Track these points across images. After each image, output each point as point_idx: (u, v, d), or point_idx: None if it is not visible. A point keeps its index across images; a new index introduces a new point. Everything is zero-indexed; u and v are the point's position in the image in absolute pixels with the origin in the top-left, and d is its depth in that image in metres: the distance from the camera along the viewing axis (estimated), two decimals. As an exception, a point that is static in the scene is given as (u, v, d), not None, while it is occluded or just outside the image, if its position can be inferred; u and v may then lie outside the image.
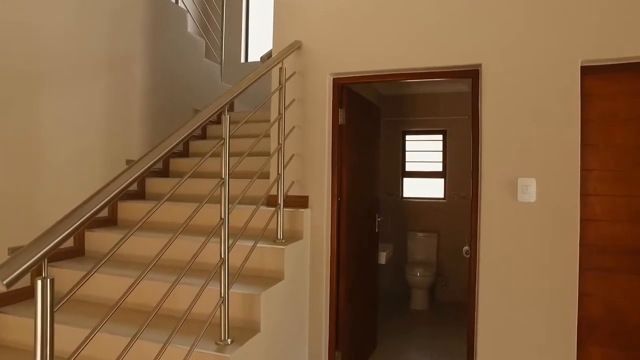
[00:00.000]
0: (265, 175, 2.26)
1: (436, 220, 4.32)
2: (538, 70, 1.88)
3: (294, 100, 2.22)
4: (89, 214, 0.95)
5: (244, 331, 1.62)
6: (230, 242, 1.54)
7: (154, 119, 2.94)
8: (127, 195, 2.67)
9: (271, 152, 2.28)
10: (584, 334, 1.83)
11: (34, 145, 2.08)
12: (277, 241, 2.01)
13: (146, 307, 1.78)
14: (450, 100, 4.31)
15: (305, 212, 2.17)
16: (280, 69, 2.05)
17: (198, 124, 1.37)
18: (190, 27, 3.51)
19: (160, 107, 3.01)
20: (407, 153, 4.53)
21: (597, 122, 1.86)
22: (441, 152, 4.41)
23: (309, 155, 2.23)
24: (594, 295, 1.84)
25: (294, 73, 2.23)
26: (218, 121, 3.73)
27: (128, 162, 2.71)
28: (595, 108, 1.86)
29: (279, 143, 2.06)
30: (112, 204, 2.56)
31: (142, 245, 2.15)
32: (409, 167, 4.51)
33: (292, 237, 2.12)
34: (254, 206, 2.09)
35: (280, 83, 2.05)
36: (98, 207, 0.97)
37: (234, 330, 1.58)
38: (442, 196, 4.36)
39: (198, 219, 2.33)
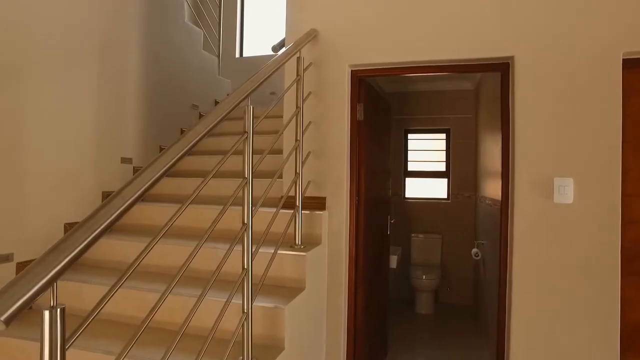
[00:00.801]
0: (271, 175, 2.08)
1: (440, 221, 4.21)
2: (576, 63, 1.76)
3: (310, 93, 2.05)
4: (108, 221, 0.75)
5: (267, 350, 1.45)
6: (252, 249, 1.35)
7: (149, 114, 2.72)
8: (121, 196, 2.44)
9: (284, 150, 2.11)
10: (625, 343, 1.72)
11: (16, 140, 1.84)
12: (296, 247, 1.83)
13: (157, 324, 1.58)
14: (454, 98, 4.21)
15: (323, 215, 2.00)
16: (298, 58, 1.88)
17: (227, 111, 1.19)
18: (187, 16, 3.28)
19: (156, 101, 2.78)
20: (409, 152, 4.41)
21: (637, 118, 1.76)
22: (444, 152, 4.30)
23: (326, 153, 2.06)
24: (635, 302, 1.74)
25: (310, 64, 2.05)
26: (216, 117, 3.52)
27: (123, 160, 2.48)
28: (636, 103, 1.76)
29: (296, 139, 1.89)
30: (106, 206, 2.33)
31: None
32: (411, 167, 4.39)
33: (309, 242, 1.95)
34: (267, 209, 1.92)
35: (298, 74, 1.88)
36: (119, 211, 0.78)
37: (255, 349, 1.41)
38: (446, 196, 4.25)
39: (202, 222, 2.14)
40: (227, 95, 3.85)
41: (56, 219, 2.05)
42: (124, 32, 2.47)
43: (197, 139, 1.05)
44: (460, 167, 4.18)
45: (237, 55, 4.75)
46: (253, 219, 1.34)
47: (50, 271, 0.65)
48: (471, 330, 3.43)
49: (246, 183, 1.33)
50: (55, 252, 0.68)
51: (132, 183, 0.85)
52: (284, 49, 1.83)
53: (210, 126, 1.11)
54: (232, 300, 1.40)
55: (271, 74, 1.53)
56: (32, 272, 0.65)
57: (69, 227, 2.09)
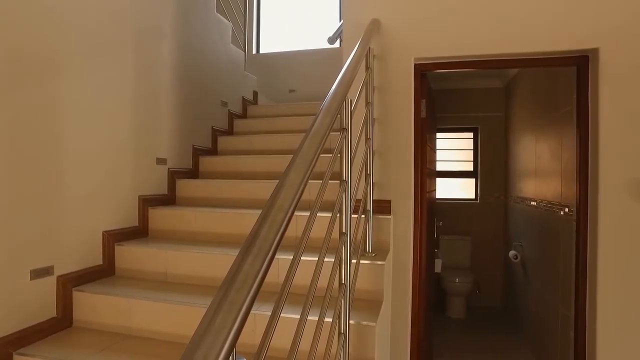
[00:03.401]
0: (321, 177, 1.94)
1: (468, 222, 4.10)
2: (669, 56, 1.65)
3: (373, 88, 1.90)
4: (277, 239, 0.59)
5: (361, 373, 1.29)
6: (321, 258, 1.20)
7: (181, 109, 2.53)
8: (156, 200, 2.26)
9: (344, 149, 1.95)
10: None
11: (53, 139, 1.63)
12: (367, 255, 1.68)
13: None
14: (482, 96, 4.10)
15: (390, 219, 1.86)
16: (369, 49, 1.73)
17: (338, 105, 1.04)
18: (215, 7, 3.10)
19: (188, 96, 2.59)
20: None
21: None
22: (471, 151, 4.20)
23: (390, 152, 1.91)
24: None
25: (374, 57, 1.90)
26: (244, 115, 3.35)
27: (159, 161, 2.29)
28: None
29: (367, 138, 1.74)
30: (143, 211, 2.14)
31: (184, 261, 1.78)
32: (437, 167, 4.27)
33: (378, 248, 1.80)
34: (325, 213, 1.77)
35: (368, 66, 1.73)
36: (284, 225, 0.61)
37: (348, 373, 1.25)
38: (474, 197, 4.15)
39: (239, 228, 1.98)
40: (254, 92, 3.66)
41: (94, 227, 1.86)
42: (157, 21, 2.29)
43: (325, 137, 0.89)
44: (489, 167, 4.08)
45: (254, 51, 4.59)
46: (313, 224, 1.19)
47: (233, 325, 0.48)
48: (509, 332, 3.34)
49: (345, 186, 1.18)
50: (233, 292, 0.51)
51: (283, 188, 0.68)
52: (338, 40, 1.69)
53: (332, 124, 0.96)
54: (309, 317, 1.25)
55: (359, 66, 1.37)
56: (211, 331, 0.47)
57: (107, 235, 1.90)
